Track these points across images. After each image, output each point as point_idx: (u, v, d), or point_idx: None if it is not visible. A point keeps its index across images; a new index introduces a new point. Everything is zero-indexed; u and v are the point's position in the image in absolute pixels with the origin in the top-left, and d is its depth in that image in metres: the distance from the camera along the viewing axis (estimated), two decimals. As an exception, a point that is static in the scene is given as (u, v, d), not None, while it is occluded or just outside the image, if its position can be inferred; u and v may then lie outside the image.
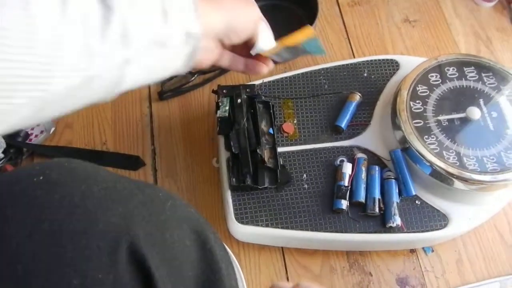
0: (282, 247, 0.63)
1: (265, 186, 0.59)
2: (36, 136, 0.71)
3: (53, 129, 0.72)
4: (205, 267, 0.34)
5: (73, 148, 0.71)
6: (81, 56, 0.28)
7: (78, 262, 0.28)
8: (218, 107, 0.62)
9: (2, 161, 0.66)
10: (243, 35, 0.41)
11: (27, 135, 0.70)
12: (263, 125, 0.62)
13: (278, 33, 0.58)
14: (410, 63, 0.67)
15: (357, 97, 0.65)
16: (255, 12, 0.42)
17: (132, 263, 0.29)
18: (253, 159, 0.59)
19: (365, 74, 0.68)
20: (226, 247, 0.58)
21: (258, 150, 0.58)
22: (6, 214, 0.29)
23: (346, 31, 0.81)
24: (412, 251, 0.63)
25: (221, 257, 0.35)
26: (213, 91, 0.65)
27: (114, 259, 0.29)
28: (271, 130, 0.62)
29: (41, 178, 0.30)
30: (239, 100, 0.61)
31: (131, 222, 0.31)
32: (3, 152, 0.67)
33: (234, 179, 0.59)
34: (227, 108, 0.61)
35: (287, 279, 0.62)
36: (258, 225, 0.59)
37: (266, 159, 0.59)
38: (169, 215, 0.33)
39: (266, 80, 0.67)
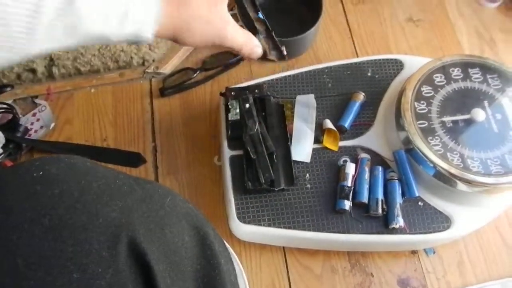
0: (283, 247, 0.63)
1: (282, 187, 0.58)
2: (35, 131, 0.70)
3: (53, 124, 0.71)
4: (204, 262, 0.34)
5: (73, 144, 0.70)
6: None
7: (78, 256, 0.28)
8: (228, 110, 0.61)
9: (1, 156, 0.66)
10: (199, 45, 0.42)
11: (26, 130, 0.70)
12: (251, 11, 0.51)
13: (281, 32, 0.58)
14: (414, 63, 0.67)
15: (361, 96, 0.65)
16: (216, 32, 0.42)
17: (132, 257, 0.29)
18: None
19: (369, 74, 0.68)
20: (227, 245, 0.58)
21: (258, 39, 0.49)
22: (6, 208, 0.29)
23: (350, 29, 0.81)
24: (414, 252, 0.63)
25: (220, 253, 0.35)
26: (221, 94, 0.64)
27: (114, 253, 0.29)
28: (260, 15, 0.51)
29: (40, 173, 0.30)
30: (247, 105, 0.60)
31: (130, 217, 0.30)
32: (2, 148, 0.66)
33: (250, 183, 0.58)
34: (237, 111, 0.60)
35: (288, 278, 0.61)
36: (260, 225, 0.58)
37: (268, 52, 0.51)
38: (169, 211, 0.33)
39: (268, 78, 0.67)
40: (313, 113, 0.64)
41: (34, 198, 0.29)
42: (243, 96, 0.61)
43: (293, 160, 0.60)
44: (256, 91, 0.62)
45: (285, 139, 0.61)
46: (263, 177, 0.57)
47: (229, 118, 0.61)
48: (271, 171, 0.58)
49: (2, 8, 0.29)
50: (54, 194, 0.29)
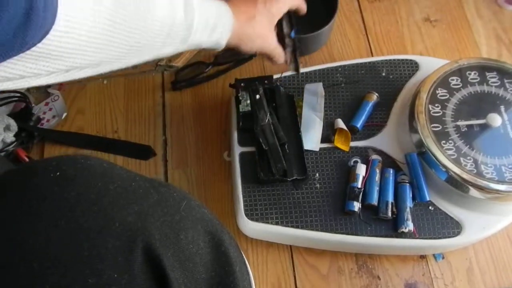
0: (290, 245, 0.63)
1: (294, 177, 0.58)
2: (48, 120, 0.71)
3: (65, 114, 0.71)
4: (219, 270, 0.33)
5: (84, 134, 0.71)
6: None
7: (94, 261, 0.28)
8: (239, 102, 0.61)
9: (14, 144, 0.66)
10: (250, 51, 0.55)
11: (39, 119, 0.70)
12: (286, 28, 0.60)
13: (296, 27, 0.59)
14: (430, 65, 0.66)
15: (374, 97, 0.64)
16: (263, 44, 0.55)
17: (147, 263, 0.29)
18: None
19: (383, 74, 0.67)
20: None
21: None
22: (22, 209, 0.29)
23: (365, 27, 0.80)
24: (422, 257, 0.62)
25: (235, 259, 0.35)
26: (231, 85, 0.64)
27: (129, 259, 0.28)
28: (292, 34, 0.60)
29: (57, 174, 0.30)
30: (257, 96, 0.60)
31: (146, 221, 0.30)
32: (14, 136, 0.66)
33: (262, 173, 0.58)
34: (248, 102, 0.61)
35: (294, 277, 0.61)
36: (268, 223, 0.58)
37: (288, 63, 0.60)
38: (184, 216, 0.33)
39: (281, 75, 0.66)
40: (322, 102, 0.63)
41: (51, 200, 0.29)
42: (253, 86, 0.61)
43: (305, 150, 0.60)
44: (266, 82, 0.62)
45: (296, 129, 0.61)
46: (276, 168, 0.57)
47: (240, 110, 0.61)
48: (284, 162, 0.58)
49: (169, 26, 0.41)
50: (71, 197, 0.29)
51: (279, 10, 0.55)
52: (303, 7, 0.60)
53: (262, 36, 0.54)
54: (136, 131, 0.71)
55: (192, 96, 0.73)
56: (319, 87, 0.64)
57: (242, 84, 0.62)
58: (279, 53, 0.57)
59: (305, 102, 0.63)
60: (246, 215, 0.58)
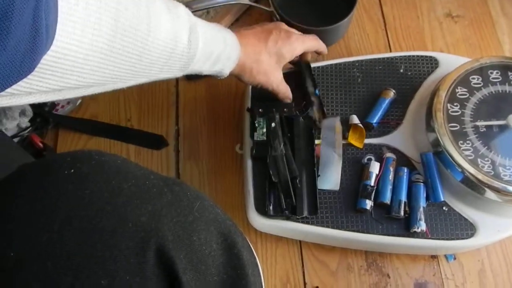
0: (300, 241, 0.63)
1: (304, 216, 0.56)
2: (62, 106, 0.71)
3: (79, 101, 0.72)
4: (231, 272, 0.33)
5: (98, 122, 0.71)
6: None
7: (107, 262, 0.27)
8: (254, 129, 0.59)
9: (29, 130, 0.67)
10: (252, 84, 0.56)
11: (53, 104, 0.70)
12: (310, 87, 0.62)
13: (313, 20, 0.58)
14: (450, 62, 0.64)
15: (391, 93, 0.63)
16: (266, 80, 0.55)
17: (160, 265, 0.29)
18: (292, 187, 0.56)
19: (401, 70, 0.66)
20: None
21: (309, 112, 0.60)
22: (36, 207, 0.29)
23: (384, 21, 0.78)
24: (433, 256, 0.61)
25: (247, 262, 0.34)
26: (248, 109, 0.62)
27: (142, 261, 0.28)
28: (317, 92, 0.62)
29: (72, 171, 0.30)
30: (273, 124, 0.57)
31: (159, 222, 0.30)
32: (29, 121, 0.67)
33: (271, 208, 0.56)
34: (264, 130, 0.58)
35: (303, 272, 0.61)
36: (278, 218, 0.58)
37: (317, 120, 0.61)
38: (197, 216, 0.32)
39: (296, 69, 0.65)
40: (340, 138, 0.60)
41: (65, 198, 0.29)
42: (270, 114, 0.58)
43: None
44: (285, 110, 0.59)
45: (311, 164, 0.58)
46: (284, 203, 0.55)
47: (255, 138, 0.58)
48: (293, 197, 0.55)
49: (169, 54, 0.40)
50: (84, 195, 0.29)
51: (291, 52, 0.55)
52: (323, 50, 0.60)
53: (266, 73, 0.53)
54: (149, 120, 0.71)
55: (206, 87, 0.73)
56: (336, 121, 0.61)
57: (260, 110, 0.59)
58: (283, 91, 0.57)
59: (323, 139, 0.60)
60: (257, 209, 0.58)
